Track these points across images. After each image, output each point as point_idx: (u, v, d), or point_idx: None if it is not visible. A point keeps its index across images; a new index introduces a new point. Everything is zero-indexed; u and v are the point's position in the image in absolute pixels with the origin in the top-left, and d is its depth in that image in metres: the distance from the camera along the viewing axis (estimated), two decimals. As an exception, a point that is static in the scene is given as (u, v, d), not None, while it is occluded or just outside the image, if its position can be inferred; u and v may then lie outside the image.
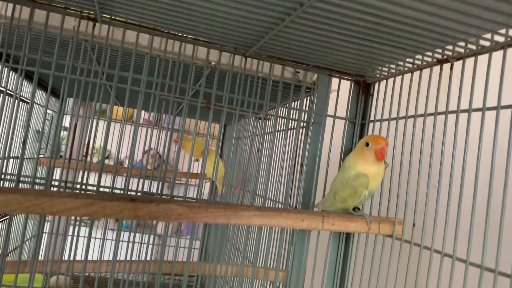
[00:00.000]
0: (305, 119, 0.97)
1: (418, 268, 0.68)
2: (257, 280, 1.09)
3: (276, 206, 1.01)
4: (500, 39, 0.59)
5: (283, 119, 0.96)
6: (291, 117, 0.94)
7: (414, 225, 0.73)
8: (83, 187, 0.88)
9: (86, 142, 1.97)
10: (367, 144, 0.75)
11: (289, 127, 1.00)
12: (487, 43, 0.61)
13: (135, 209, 0.61)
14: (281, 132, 1.07)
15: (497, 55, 0.61)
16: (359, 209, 0.79)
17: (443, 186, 0.66)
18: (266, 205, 1.09)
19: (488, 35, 0.59)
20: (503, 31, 0.57)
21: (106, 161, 3.15)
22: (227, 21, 0.68)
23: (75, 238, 0.91)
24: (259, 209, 0.67)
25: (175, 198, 0.92)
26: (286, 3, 0.57)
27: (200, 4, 0.62)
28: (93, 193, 0.88)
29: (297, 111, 0.93)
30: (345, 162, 0.80)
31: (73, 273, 0.94)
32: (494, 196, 0.58)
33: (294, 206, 0.98)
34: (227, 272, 1.03)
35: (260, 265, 1.07)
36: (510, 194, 0.56)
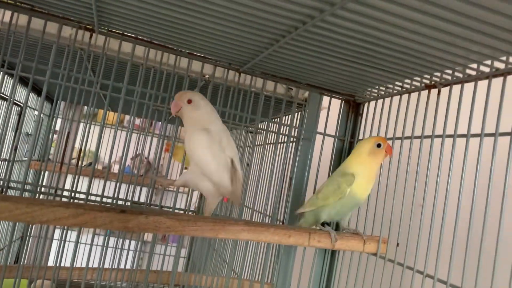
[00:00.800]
0: (295, 135, 0.99)
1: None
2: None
3: (264, 219, 1.02)
4: (486, 69, 0.61)
5: (274, 133, 0.98)
6: (281, 132, 0.96)
7: (398, 244, 0.74)
8: (73, 194, 0.89)
9: (78, 148, 1.96)
10: (379, 145, 0.75)
11: (279, 141, 1.02)
12: (473, 72, 0.63)
13: (124, 220, 0.62)
14: (271, 145, 1.09)
15: (483, 83, 0.63)
16: (328, 224, 0.80)
17: (427, 208, 0.68)
18: (254, 217, 1.10)
19: (475, 65, 0.61)
20: (488, 62, 0.59)
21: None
22: (224, 39, 0.70)
23: (60, 242, 0.91)
24: (247, 224, 0.68)
25: (164, 208, 0.93)
26: (281, 26, 0.59)
27: (198, 22, 0.64)
28: (83, 201, 0.88)
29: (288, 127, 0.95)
30: (343, 167, 0.79)
31: (58, 278, 0.94)
32: (475, 220, 0.60)
33: (282, 219, 0.99)
34: (213, 283, 1.03)
35: (245, 277, 1.08)
36: (491, 216, 0.58)
